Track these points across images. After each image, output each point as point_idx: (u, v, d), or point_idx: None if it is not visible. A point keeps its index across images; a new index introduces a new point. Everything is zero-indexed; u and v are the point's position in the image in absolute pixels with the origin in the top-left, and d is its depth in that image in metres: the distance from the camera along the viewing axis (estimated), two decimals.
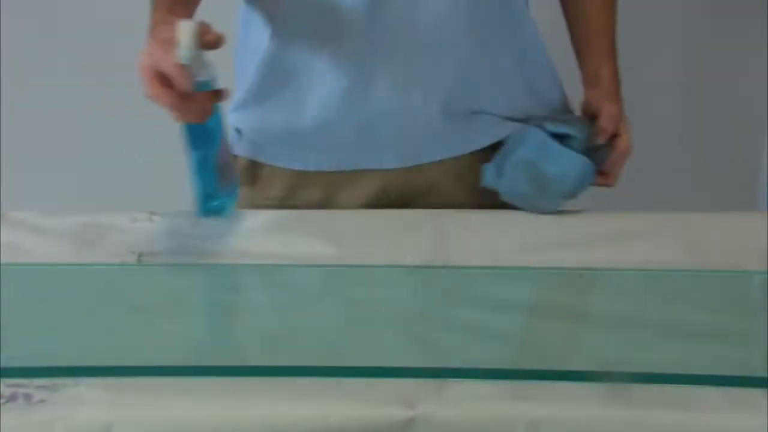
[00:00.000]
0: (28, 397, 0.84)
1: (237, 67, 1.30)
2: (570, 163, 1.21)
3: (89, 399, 0.84)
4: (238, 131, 1.30)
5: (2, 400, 0.84)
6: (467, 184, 1.25)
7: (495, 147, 1.25)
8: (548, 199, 1.20)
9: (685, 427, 0.83)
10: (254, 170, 1.29)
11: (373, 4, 1.16)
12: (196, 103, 1.04)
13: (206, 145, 1.10)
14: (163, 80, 1.02)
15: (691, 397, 0.85)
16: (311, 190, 1.26)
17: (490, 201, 1.23)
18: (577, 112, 1.32)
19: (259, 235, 1.13)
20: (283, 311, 1.00)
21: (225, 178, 1.14)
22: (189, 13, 1.14)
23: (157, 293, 1.04)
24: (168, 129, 1.99)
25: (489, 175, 1.22)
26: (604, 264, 1.08)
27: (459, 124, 1.24)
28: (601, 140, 1.25)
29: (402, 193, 1.26)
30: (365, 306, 1.00)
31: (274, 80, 1.23)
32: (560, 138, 1.22)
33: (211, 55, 1.07)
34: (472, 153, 1.26)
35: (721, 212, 1.21)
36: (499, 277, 1.07)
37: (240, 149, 1.30)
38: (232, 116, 1.29)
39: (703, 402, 0.85)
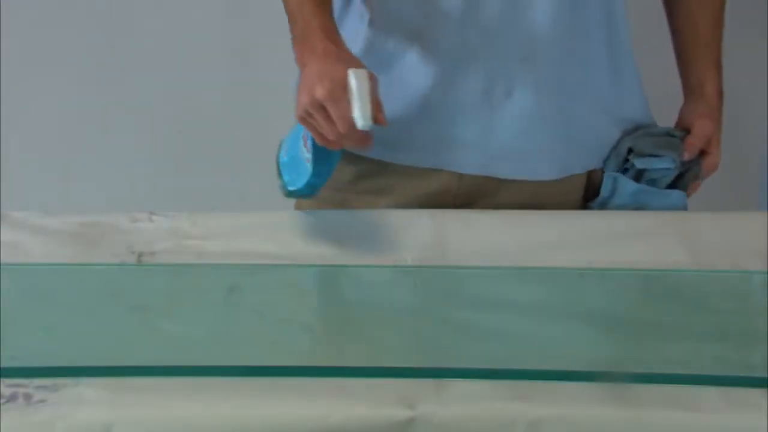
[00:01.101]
0: (28, 397, 0.84)
1: None
2: (666, 201, 1.22)
3: (89, 399, 0.84)
4: None
5: (2, 400, 0.84)
6: (534, 197, 1.24)
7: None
8: None
9: (685, 427, 0.83)
10: None
11: (469, 4, 1.15)
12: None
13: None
14: (326, 114, 1.04)
15: (691, 397, 0.85)
16: (378, 180, 1.25)
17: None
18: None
19: (259, 235, 1.13)
20: (282, 311, 1.00)
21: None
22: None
23: (157, 293, 1.04)
24: (168, 129, 2.00)
25: None
26: (604, 264, 1.08)
27: (540, 143, 1.21)
28: (686, 157, 1.24)
29: (469, 193, 1.24)
30: (365, 306, 1.00)
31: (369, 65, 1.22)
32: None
33: None
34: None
35: (721, 212, 1.21)
36: (499, 277, 1.07)
37: None
38: None
39: (703, 402, 0.85)
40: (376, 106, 1.04)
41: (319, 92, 1.04)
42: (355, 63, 1.07)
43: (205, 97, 1.93)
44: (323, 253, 1.09)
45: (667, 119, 1.30)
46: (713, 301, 1.02)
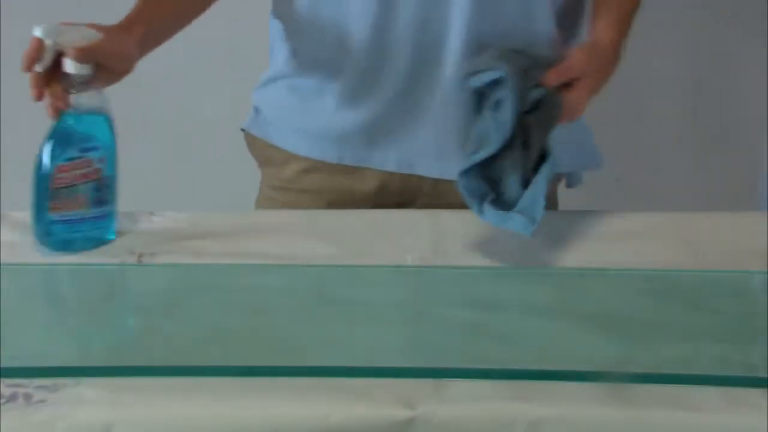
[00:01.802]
0: (28, 397, 0.84)
1: (271, 44, 1.34)
2: (535, 196, 1.08)
3: (89, 399, 0.84)
4: (257, 110, 1.34)
5: (2, 400, 0.84)
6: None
7: None
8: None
9: (685, 427, 0.83)
10: (269, 152, 1.32)
11: (377, 27, 1.19)
12: (50, 93, 1.13)
13: (42, 167, 1.10)
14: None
15: (691, 397, 0.85)
16: (319, 176, 1.28)
17: None
18: None
19: (259, 235, 1.13)
20: (283, 311, 1.00)
21: (66, 207, 1.08)
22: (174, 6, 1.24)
23: (157, 293, 1.04)
24: (168, 129, 2.00)
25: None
26: (604, 264, 1.08)
27: (450, 146, 1.22)
28: (547, 81, 1.10)
29: (403, 190, 1.27)
30: (365, 306, 1.00)
31: (302, 67, 1.27)
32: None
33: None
34: None
35: (721, 212, 1.21)
36: (499, 277, 1.07)
37: (257, 129, 1.33)
38: (256, 93, 1.34)
39: (703, 402, 0.85)
40: (77, 49, 1.13)
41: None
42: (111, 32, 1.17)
43: (205, 97, 1.93)
44: (323, 253, 1.09)
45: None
46: (713, 301, 1.02)
